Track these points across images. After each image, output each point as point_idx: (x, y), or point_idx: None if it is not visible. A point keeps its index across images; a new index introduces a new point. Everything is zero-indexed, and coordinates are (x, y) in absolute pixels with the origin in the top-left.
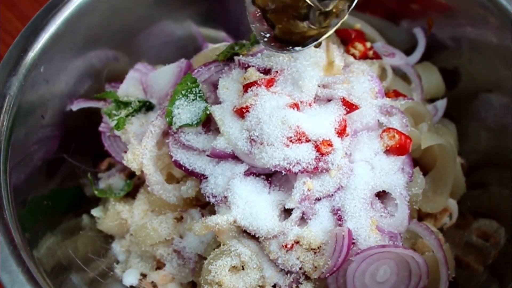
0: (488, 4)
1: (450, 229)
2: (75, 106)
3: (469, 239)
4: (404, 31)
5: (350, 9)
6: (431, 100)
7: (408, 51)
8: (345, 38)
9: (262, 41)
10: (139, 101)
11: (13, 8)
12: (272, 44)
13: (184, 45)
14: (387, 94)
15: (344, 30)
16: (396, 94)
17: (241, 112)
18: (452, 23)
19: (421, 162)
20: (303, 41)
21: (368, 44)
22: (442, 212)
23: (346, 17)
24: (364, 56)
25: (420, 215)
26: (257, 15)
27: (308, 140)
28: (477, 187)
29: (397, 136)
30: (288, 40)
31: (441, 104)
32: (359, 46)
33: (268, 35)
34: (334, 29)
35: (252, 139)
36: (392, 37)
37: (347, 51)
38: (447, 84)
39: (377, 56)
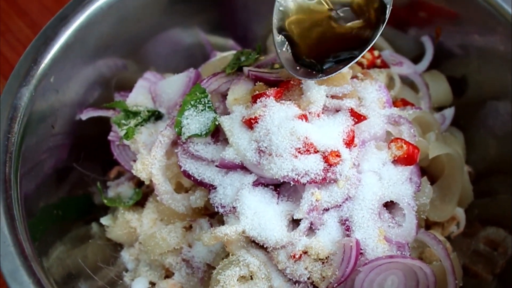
0: (496, 12)
1: (457, 237)
2: (84, 115)
3: (476, 247)
4: (412, 39)
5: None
6: (439, 109)
7: (416, 59)
8: None
9: (288, 67)
10: (148, 111)
11: (23, 16)
12: (298, 68)
13: (192, 53)
14: (394, 103)
15: None
16: (404, 103)
17: (249, 123)
18: (460, 32)
19: (429, 170)
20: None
21: (376, 53)
22: (449, 221)
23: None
24: (372, 65)
25: (427, 224)
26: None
27: (316, 151)
28: (485, 195)
29: (405, 146)
30: (315, 62)
31: (449, 112)
32: (367, 54)
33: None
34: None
35: (261, 150)
36: (400, 45)
37: None
38: (455, 92)
39: (384, 65)
